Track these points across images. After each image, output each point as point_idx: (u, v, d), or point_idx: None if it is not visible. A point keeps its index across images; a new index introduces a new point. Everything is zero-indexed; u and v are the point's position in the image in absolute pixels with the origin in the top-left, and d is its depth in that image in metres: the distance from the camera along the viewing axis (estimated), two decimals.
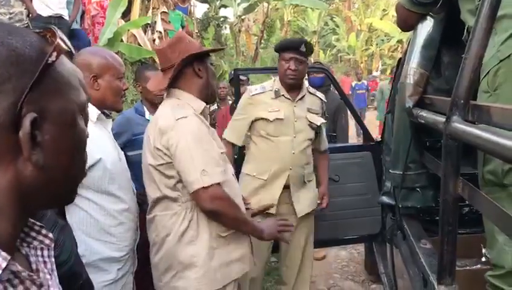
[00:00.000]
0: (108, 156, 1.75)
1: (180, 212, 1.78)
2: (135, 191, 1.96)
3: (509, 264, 1.44)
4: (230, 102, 5.10)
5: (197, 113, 1.81)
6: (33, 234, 0.65)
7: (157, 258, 1.84)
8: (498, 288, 1.49)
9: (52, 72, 0.58)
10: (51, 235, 0.66)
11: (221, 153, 1.86)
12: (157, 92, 2.71)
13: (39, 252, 0.64)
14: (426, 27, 1.96)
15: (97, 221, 1.72)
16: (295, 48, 2.54)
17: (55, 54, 0.57)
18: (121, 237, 1.79)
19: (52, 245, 0.66)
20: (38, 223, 0.65)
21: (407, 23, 2.08)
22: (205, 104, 1.88)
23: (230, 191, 1.82)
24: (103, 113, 1.86)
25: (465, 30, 1.74)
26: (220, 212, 1.74)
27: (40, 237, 0.65)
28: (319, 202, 2.79)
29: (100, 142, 1.74)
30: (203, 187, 1.68)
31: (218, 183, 1.72)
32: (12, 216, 0.57)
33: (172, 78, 1.82)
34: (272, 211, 2.56)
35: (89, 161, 1.61)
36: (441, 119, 1.37)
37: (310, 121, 2.63)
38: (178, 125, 1.72)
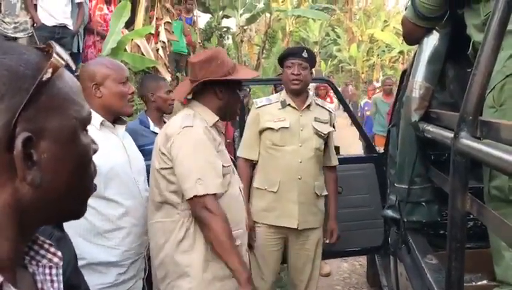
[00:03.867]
0: (106, 161, 1.74)
1: (179, 220, 1.79)
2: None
3: None
4: None
5: (208, 125, 1.85)
6: (42, 252, 0.64)
7: (156, 265, 1.85)
8: None
9: (49, 89, 0.57)
10: (59, 253, 0.65)
11: (227, 166, 1.85)
12: (170, 102, 2.74)
13: (47, 271, 0.63)
14: (432, 41, 1.96)
15: (93, 225, 1.74)
16: (297, 53, 2.60)
17: (50, 70, 0.56)
18: (119, 242, 1.80)
19: (61, 263, 0.65)
20: (48, 241, 0.65)
21: (413, 36, 2.08)
22: (218, 118, 1.90)
23: (231, 206, 1.82)
24: (118, 118, 1.91)
25: (471, 45, 1.75)
26: (207, 224, 1.71)
27: (49, 255, 0.64)
28: (326, 241, 2.78)
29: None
30: (196, 196, 1.70)
31: (214, 194, 1.73)
32: (11, 235, 0.56)
33: (190, 93, 1.91)
34: (291, 224, 2.59)
35: None
36: (449, 134, 1.36)
37: (316, 130, 2.63)
38: (182, 133, 1.77)
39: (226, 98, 1.91)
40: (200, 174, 1.71)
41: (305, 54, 2.57)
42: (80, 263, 1.68)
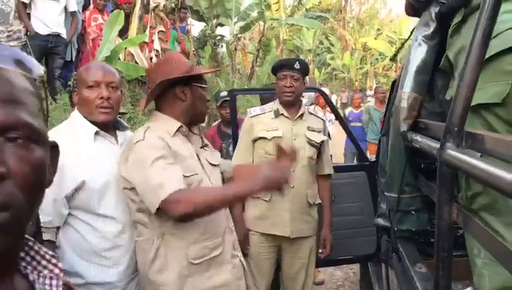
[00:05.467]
0: (100, 176, 1.70)
1: (149, 240, 1.75)
2: None
3: (486, 286, 1.46)
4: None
5: (170, 134, 1.78)
6: (44, 262, 0.65)
7: (139, 283, 1.83)
8: None
9: None
10: (60, 265, 0.66)
11: (190, 176, 1.76)
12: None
13: (47, 281, 0.65)
14: (420, 52, 1.99)
15: (90, 243, 1.68)
16: (289, 65, 2.63)
17: None
18: (116, 260, 1.74)
19: (61, 275, 0.66)
20: (50, 252, 0.66)
21: (409, 12, 2.17)
22: (180, 124, 1.83)
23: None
24: (117, 124, 1.87)
25: (444, 57, 1.81)
26: (191, 214, 1.61)
27: (50, 266, 0.66)
28: (320, 251, 2.79)
29: (90, 161, 1.70)
30: (162, 201, 1.60)
31: (179, 190, 1.62)
32: None
33: (148, 100, 1.85)
34: (283, 233, 2.61)
35: (72, 185, 1.65)
36: (436, 145, 1.39)
37: (309, 139, 2.65)
38: (134, 149, 1.71)
39: (190, 97, 1.84)
40: (157, 180, 1.61)
41: (297, 66, 2.61)
42: (78, 281, 1.65)
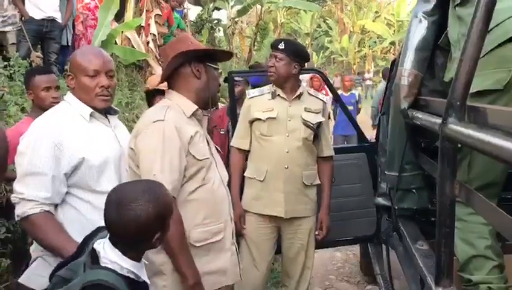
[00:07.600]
0: (98, 152, 1.73)
1: None
2: None
3: (459, 255, 1.59)
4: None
5: (187, 116, 1.80)
6: None
7: None
8: (463, 279, 1.62)
9: None
10: None
11: (202, 159, 1.79)
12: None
13: None
14: (420, 29, 1.97)
15: (90, 220, 1.68)
16: (274, 46, 2.62)
17: None
18: None
19: None
20: None
21: None
22: (197, 107, 1.84)
23: (208, 200, 1.80)
24: (109, 108, 1.88)
25: (444, 35, 1.80)
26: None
27: None
28: (317, 233, 2.78)
29: (88, 139, 1.73)
30: None
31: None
32: None
33: (165, 75, 1.85)
34: (277, 213, 2.59)
35: (72, 162, 1.67)
36: (437, 120, 1.38)
37: (305, 120, 2.63)
38: (151, 127, 1.72)
39: (205, 76, 1.86)
40: (156, 171, 1.66)
41: (281, 46, 2.58)
42: None
